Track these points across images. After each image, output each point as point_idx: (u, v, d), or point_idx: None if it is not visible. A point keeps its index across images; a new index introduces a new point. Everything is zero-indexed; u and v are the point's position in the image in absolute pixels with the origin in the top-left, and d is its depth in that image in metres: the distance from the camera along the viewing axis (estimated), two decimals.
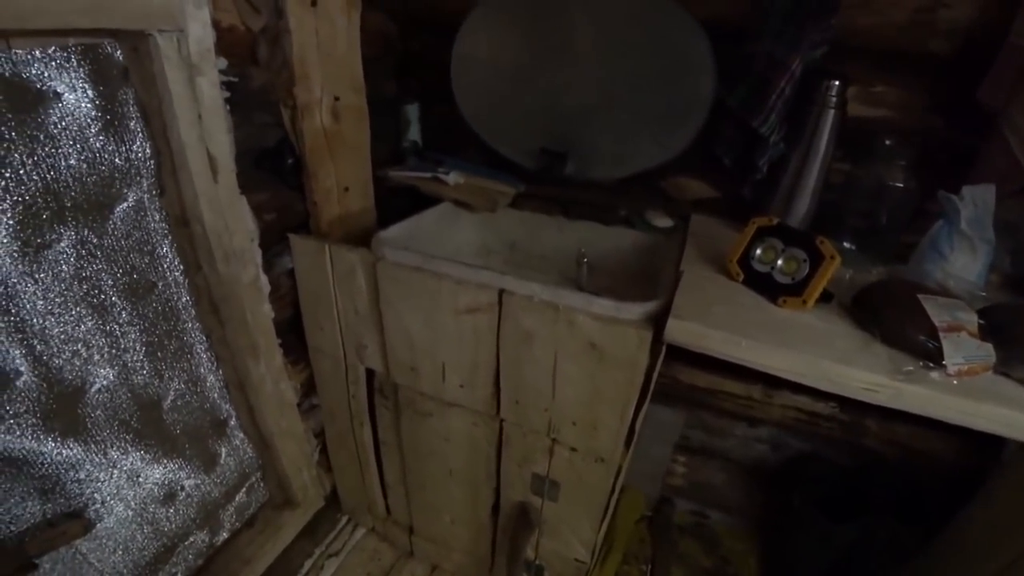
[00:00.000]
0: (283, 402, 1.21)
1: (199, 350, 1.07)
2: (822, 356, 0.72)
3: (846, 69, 0.93)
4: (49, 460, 0.86)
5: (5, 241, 0.75)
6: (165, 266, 0.97)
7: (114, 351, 0.92)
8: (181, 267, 1.00)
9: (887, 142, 0.94)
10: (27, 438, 0.83)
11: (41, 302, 0.81)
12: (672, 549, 1.45)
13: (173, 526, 1.09)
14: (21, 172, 0.74)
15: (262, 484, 1.31)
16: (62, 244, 0.81)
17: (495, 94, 1.12)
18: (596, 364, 0.87)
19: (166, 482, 1.06)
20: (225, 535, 1.24)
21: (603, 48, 1.01)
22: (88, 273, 0.86)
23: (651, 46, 0.97)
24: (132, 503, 1.00)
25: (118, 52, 0.80)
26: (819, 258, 0.80)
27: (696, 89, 0.96)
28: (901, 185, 0.93)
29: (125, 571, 1.02)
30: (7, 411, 0.79)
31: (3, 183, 0.72)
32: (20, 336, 0.79)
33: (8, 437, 0.80)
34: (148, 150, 0.88)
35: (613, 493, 1.05)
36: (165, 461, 1.05)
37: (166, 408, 1.03)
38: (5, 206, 0.73)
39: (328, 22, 0.99)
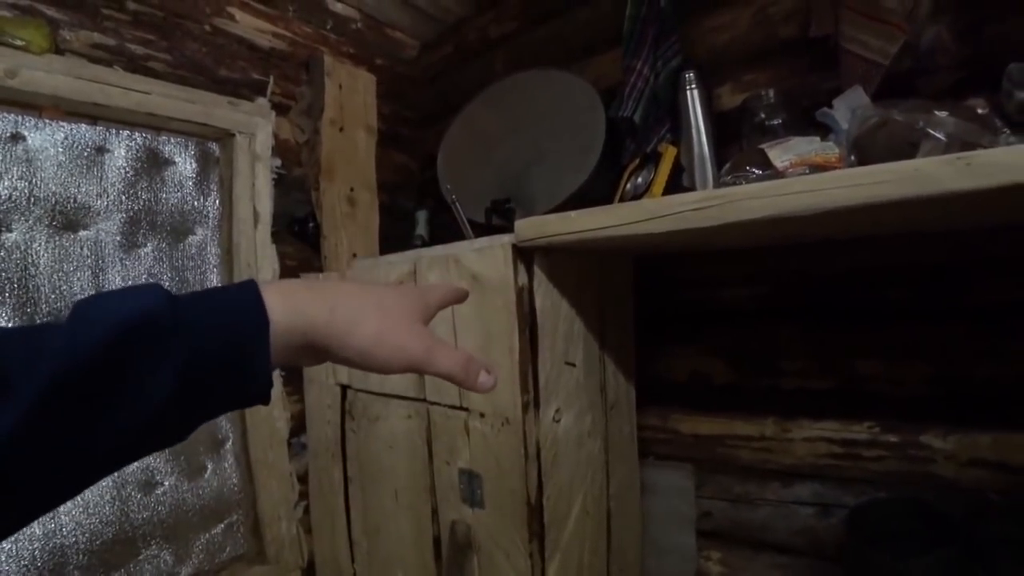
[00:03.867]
0: (273, 431, 1.33)
1: None
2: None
3: (720, 78, 1.11)
4: None
5: (115, 233, 1.18)
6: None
7: None
8: None
9: (767, 97, 0.99)
10: None
11: (119, 279, 1.19)
12: None
13: (141, 518, 1.16)
14: (138, 194, 1.22)
15: (241, 531, 1.32)
16: (147, 248, 1.23)
17: (466, 176, 1.47)
18: (481, 296, 0.92)
19: (150, 467, 1.19)
20: (189, 571, 1.22)
21: (534, 118, 1.34)
22: (157, 272, 1.24)
23: (563, 104, 1.28)
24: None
25: (215, 145, 1.35)
26: (659, 157, 0.86)
27: (595, 121, 1.19)
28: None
29: (89, 540, 1.09)
30: None
31: (126, 198, 1.20)
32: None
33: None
34: (218, 203, 1.34)
35: (540, 491, 0.90)
36: None
37: None
38: (122, 213, 1.20)
39: (350, 141, 1.50)
